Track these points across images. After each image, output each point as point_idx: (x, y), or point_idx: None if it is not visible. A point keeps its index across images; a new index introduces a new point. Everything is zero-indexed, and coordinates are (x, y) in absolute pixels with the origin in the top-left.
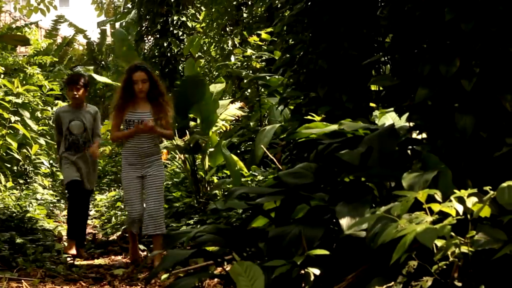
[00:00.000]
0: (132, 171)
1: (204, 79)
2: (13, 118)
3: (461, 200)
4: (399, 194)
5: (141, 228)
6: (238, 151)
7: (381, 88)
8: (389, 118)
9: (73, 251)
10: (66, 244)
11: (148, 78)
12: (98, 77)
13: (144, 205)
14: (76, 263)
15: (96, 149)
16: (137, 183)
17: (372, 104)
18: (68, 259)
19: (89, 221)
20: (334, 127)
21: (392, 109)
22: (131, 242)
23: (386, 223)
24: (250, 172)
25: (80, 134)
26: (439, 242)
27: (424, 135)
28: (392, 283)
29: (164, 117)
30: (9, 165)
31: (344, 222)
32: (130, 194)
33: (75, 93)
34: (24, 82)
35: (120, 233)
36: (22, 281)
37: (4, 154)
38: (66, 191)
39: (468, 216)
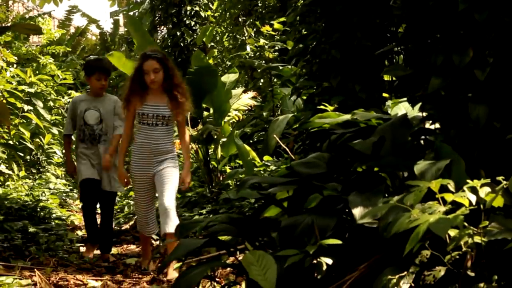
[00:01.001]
0: (142, 169)
1: (216, 69)
2: (26, 108)
3: (474, 190)
4: (412, 184)
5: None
6: (251, 141)
7: (394, 78)
8: (402, 108)
9: (91, 255)
10: (85, 248)
11: (161, 67)
12: (115, 64)
13: (157, 202)
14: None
15: (108, 161)
16: (147, 183)
17: (385, 94)
18: (81, 248)
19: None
20: (347, 117)
21: (405, 99)
22: (143, 244)
23: (399, 213)
24: (263, 162)
25: (96, 124)
26: (452, 232)
27: (437, 125)
28: (405, 272)
29: (181, 113)
30: (22, 155)
31: (357, 211)
32: (140, 195)
33: (104, 83)
34: (37, 72)
35: (132, 222)
36: (35, 269)
37: (17, 143)
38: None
39: (481, 206)
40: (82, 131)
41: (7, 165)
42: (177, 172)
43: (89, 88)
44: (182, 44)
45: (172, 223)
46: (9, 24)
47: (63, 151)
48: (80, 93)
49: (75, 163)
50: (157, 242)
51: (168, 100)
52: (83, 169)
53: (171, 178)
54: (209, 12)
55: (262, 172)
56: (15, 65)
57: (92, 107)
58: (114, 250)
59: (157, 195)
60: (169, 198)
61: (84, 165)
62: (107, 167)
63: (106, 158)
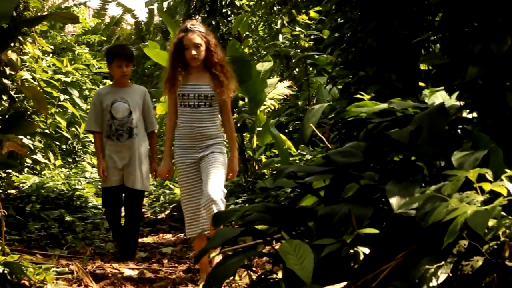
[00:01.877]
0: (187, 156)
1: (251, 59)
2: (62, 97)
3: None
4: (449, 173)
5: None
6: (286, 130)
7: (430, 67)
8: (439, 97)
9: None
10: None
11: (203, 42)
12: (149, 54)
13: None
14: None
15: (160, 172)
16: (193, 172)
17: (421, 83)
18: None
19: None
20: (384, 105)
21: (442, 88)
22: (197, 246)
23: (437, 202)
24: (298, 151)
25: (125, 117)
26: (490, 222)
27: (474, 114)
28: (443, 262)
29: (224, 92)
30: (58, 144)
31: (394, 201)
32: (187, 187)
33: (125, 70)
34: (72, 61)
35: (168, 211)
36: (72, 258)
37: (53, 132)
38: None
39: None
40: (109, 126)
41: (43, 154)
42: (225, 158)
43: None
44: (217, 33)
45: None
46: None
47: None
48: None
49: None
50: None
51: (210, 79)
52: (108, 175)
53: (219, 165)
54: (244, 1)
55: (297, 161)
56: (51, 55)
57: (119, 98)
58: (150, 239)
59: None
60: (215, 187)
61: (109, 170)
62: (161, 176)
63: (158, 170)
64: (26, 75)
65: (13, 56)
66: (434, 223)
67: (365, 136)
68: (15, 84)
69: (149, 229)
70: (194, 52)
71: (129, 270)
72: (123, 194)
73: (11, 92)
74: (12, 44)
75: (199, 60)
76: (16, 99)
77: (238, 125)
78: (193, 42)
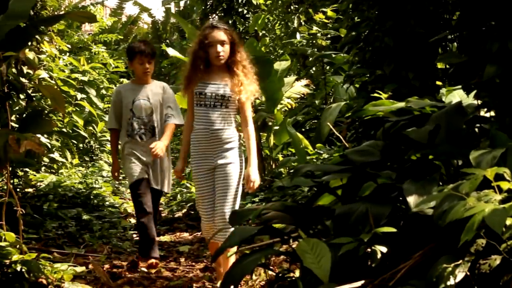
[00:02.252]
0: (202, 163)
1: (269, 58)
2: (79, 96)
3: None
4: (467, 171)
5: None
6: (303, 129)
7: (447, 66)
8: (456, 96)
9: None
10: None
11: (228, 40)
12: (171, 51)
13: (215, 207)
14: None
15: (160, 148)
16: (208, 178)
17: (438, 82)
18: (134, 236)
19: None
20: (401, 104)
21: (459, 86)
22: (214, 254)
23: (454, 201)
24: (315, 150)
25: (148, 116)
26: (508, 221)
27: (492, 113)
28: (460, 261)
29: (243, 93)
30: (75, 142)
31: (412, 199)
32: (202, 194)
33: (147, 66)
34: (89, 60)
35: (185, 210)
36: (89, 257)
37: (71, 131)
38: (130, 194)
39: None
40: (130, 124)
41: (60, 153)
42: (239, 170)
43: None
44: None
45: (222, 235)
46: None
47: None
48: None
49: (121, 163)
50: None
51: (230, 78)
52: (133, 170)
53: (231, 181)
54: (261, 0)
55: (314, 160)
56: (67, 54)
57: (141, 97)
58: (167, 238)
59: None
60: (226, 206)
61: (134, 165)
62: (157, 155)
63: (157, 145)
64: (43, 74)
65: (30, 55)
66: (451, 221)
67: (382, 135)
68: (32, 83)
69: (166, 227)
70: (219, 49)
71: (146, 268)
72: None
73: (28, 91)
74: (29, 43)
75: (224, 59)
76: (33, 98)
77: (258, 123)
78: (219, 39)
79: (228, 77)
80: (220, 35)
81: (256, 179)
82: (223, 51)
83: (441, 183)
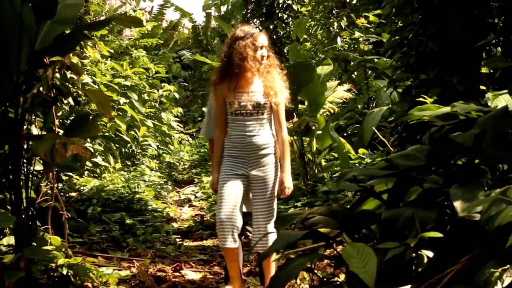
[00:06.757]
0: (233, 166)
1: (312, 63)
2: (121, 100)
3: None
4: None
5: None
6: (345, 134)
7: (491, 70)
8: (502, 100)
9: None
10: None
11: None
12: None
13: (253, 219)
14: (185, 244)
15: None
16: (236, 181)
17: (482, 87)
18: (178, 240)
19: (196, 203)
20: (447, 109)
21: (505, 91)
22: (227, 262)
23: (502, 205)
24: (358, 154)
25: None
26: None
27: None
28: (508, 266)
29: (277, 99)
30: (118, 147)
31: (458, 204)
32: (224, 193)
33: None
34: (130, 65)
35: None
36: (133, 261)
37: (113, 135)
38: None
39: None
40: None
41: (103, 157)
42: (274, 179)
43: None
44: (274, 37)
45: (262, 244)
46: (105, 18)
47: (157, 143)
48: (173, 87)
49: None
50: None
51: (263, 85)
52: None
53: (268, 193)
54: (302, 7)
55: (357, 164)
56: (109, 59)
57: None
58: (210, 242)
59: (247, 207)
60: (266, 215)
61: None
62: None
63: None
64: (86, 78)
65: (74, 59)
66: (499, 226)
67: (428, 140)
68: (75, 87)
69: (208, 232)
70: (265, 53)
71: (191, 273)
72: None
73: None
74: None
75: (264, 65)
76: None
77: (302, 127)
78: (265, 43)
79: (260, 83)
80: (266, 39)
81: (290, 186)
82: (266, 55)
83: (486, 188)
